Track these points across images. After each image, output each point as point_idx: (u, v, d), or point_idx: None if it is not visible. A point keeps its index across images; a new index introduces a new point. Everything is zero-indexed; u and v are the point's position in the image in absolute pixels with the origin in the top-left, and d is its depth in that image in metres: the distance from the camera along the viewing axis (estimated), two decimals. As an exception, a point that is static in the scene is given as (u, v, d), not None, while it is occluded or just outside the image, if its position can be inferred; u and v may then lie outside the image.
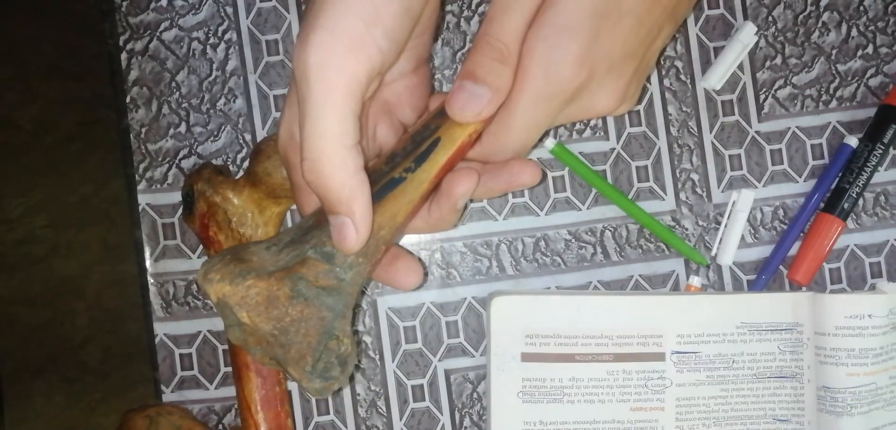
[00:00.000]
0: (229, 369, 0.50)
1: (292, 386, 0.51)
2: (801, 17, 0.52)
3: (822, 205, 0.51)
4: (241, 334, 0.37)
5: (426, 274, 0.51)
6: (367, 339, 0.51)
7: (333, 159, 0.35)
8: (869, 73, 0.52)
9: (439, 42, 0.51)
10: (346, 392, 0.51)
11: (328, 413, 0.51)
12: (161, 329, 0.51)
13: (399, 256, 0.42)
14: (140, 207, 0.51)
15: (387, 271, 0.42)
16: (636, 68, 0.39)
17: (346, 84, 0.34)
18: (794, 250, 0.51)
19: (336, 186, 0.35)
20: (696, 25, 0.51)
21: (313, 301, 0.36)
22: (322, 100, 0.34)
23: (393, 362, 0.51)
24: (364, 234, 0.36)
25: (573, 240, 0.51)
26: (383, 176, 0.38)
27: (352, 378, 0.51)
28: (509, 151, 0.39)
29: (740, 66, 0.51)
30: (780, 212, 0.52)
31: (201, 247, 0.50)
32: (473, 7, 0.51)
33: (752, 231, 0.51)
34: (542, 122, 0.38)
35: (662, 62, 0.51)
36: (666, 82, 0.51)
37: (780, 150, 0.52)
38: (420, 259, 0.43)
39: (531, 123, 0.38)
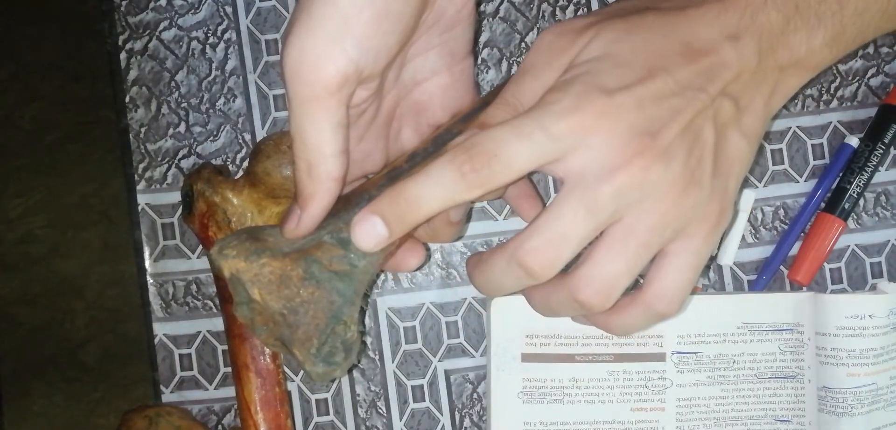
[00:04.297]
0: (229, 369, 0.50)
1: (292, 387, 0.50)
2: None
3: (822, 205, 0.51)
4: (248, 313, 0.38)
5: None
6: (367, 339, 0.51)
7: (309, 162, 0.37)
8: (870, 72, 0.52)
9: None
10: (346, 393, 0.51)
11: (328, 414, 0.51)
12: (160, 329, 0.51)
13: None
14: (139, 207, 0.50)
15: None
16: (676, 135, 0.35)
17: (315, 98, 0.36)
18: (794, 250, 0.51)
19: (301, 185, 0.38)
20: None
21: (325, 284, 0.37)
22: (299, 110, 0.36)
23: (393, 362, 0.51)
24: (303, 231, 0.38)
25: (573, 240, 0.51)
26: (402, 173, 0.39)
27: (351, 371, 0.51)
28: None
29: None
30: (781, 212, 0.51)
31: (201, 247, 0.50)
32: None
33: (753, 231, 0.51)
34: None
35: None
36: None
37: (780, 150, 0.51)
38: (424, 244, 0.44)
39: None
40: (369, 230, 0.36)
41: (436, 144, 0.40)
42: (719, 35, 0.36)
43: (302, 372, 0.51)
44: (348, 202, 0.39)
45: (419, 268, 0.46)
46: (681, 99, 0.35)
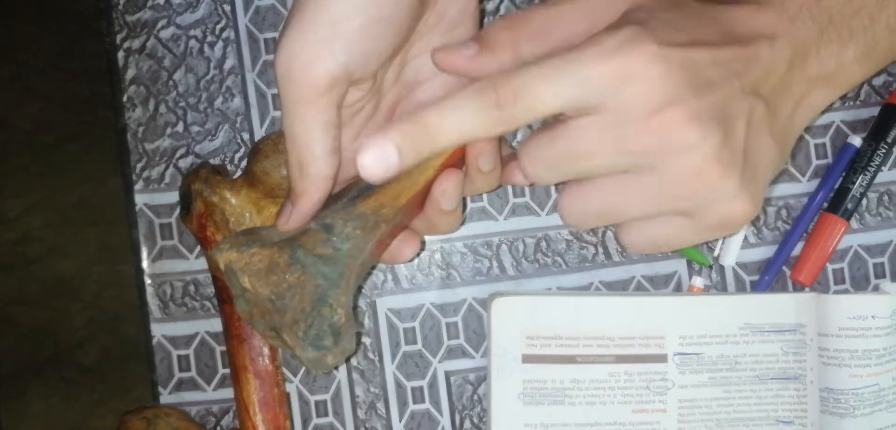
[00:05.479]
0: (227, 370, 0.50)
1: (291, 388, 0.50)
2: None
3: (825, 205, 0.51)
4: (245, 306, 0.40)
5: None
6: (367, 340, 0.51)
7: (300, 160, 0.38)
8: (872, 71, 0.51)
9: None
10: (346, 394, 0.51)
11: (327, 415, 0.51)
12: (158, 330, 0.50)
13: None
14: (137, 208, 0.50)
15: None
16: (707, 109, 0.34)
17: (305, 100, 0.37)
18: (797, 251, 0.51)
19: (293, 182, 0.39)
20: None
21: (310, 268, 0.38)
22: (290, 110, 0.37)
23: (392, 363, 0.51)
24: (293, 225, 0.39)
25: (574, 240, 0.51)
26: None
27: (351, 370, 0.51)
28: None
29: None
30: (784, 212, 0.51)
31: (199, 247, 0.50)
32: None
33: (755, 231, 0.51)
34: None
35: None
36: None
37: (783, 149, 0.51)
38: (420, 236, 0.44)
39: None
40: (379, 155, 0.34)
41: None
42: (756, 31, 0.36)
43: (301, 373, 0.50)
44: (339, 196, 0.40)
45: (413, 259, 0.46)
46: (719, 74, 0.34)
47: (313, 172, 0.38)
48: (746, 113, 0.35)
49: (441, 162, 0.39)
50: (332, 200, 0.40)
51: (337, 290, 0.38)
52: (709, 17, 0.36)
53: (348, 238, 0.39)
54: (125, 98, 0.50)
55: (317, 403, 0.51)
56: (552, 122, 0.35)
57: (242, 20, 0.50)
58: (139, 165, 0.50)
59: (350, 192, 0.40)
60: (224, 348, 0.50)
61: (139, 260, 0.50)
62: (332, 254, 0.38)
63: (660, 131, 0.33)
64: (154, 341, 0.50)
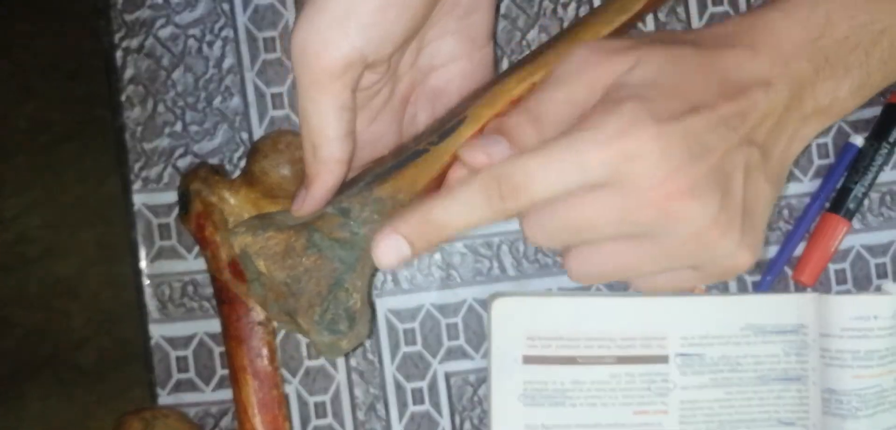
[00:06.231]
0: (226, 371, 0.50)
1: (290, 389, 0.50)
2: (806, 14, 0.51)
3: (827, 205, 0.51)
4: (260, 290, 0.40)
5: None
6: (366, 341, 0.50)
7: (314, 144, 0.38)
8: (875, 71, 0.51)
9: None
10: (345, 396, 0.50)
11: (326, 417, 0.50)
12: (157, 331, 0.50)
13: None
14: (135, 208, 0.50)
15: None
16: (704, 173, 0.35)
17: (319, 83, 0.37)
18: (799, 251, 0.51)
19: (307, 165, 0.39)
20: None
21: (327, 252, 0.38)
22: (304, 93, 0.37)
23: (392, 364, 0.50)
24: (308, 210, 0.39)
25: (575, 240, 0.50)
26: (408, 149, 0.40)
27: (348, 363, 0.50)
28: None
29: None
30: (785, 212, 0.51)
31: (197, 248, 0.50)
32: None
33: (757, 232, 0.51)
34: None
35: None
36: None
37: (784, 149, 0.51)
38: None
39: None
40: (392, 248, 0.36)
41: (441, 123, 0.41)
42: (751, 78, 0.36)
43: (300, 374, 0.50)
44: (354, 182, 0.40)
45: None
46: (717, 136, 0.35)
47: (327, 156, 0.38)
48: (743, 164, 0.36)
49: (456, 149, 0.40)
50: (347, 185, 0.40)
51: (353, 274, 0.38)
52: (706, 67, 0.36)
53: (365, 222, 0.38)
54: (123, 97, 0.50)
55: (316, 404, 0.50)
56: None
57: (241, 19, 0.50)
58: (137, 165, 0.50)
59: (365, 177, 0.40)
60: (223, 349, 0.50)
61: (137, 260, 0.50)
62: (349, 238, 0.38)
63: (659, 203, 0.34)
64: (152, 341, 0.50)
